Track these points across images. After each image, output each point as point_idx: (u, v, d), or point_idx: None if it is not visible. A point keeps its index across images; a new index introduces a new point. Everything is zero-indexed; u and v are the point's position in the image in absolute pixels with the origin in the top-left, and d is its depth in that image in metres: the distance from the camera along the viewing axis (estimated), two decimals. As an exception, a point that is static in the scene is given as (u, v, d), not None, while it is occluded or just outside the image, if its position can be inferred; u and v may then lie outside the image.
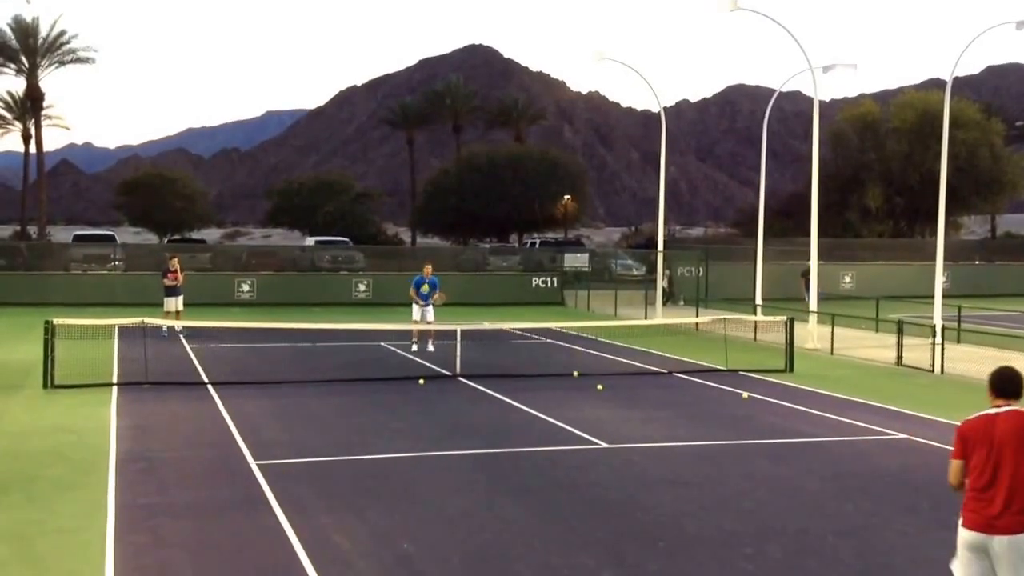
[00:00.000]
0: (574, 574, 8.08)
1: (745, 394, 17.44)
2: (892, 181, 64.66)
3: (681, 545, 8.93)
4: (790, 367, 20.58)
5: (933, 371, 20.51)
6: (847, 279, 42.73)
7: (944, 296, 23.21)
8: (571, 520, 9.66)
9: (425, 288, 23.03)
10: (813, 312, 25.48)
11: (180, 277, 26.07)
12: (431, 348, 22.56)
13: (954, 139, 36.82)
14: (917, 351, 21.33)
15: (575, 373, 19.53)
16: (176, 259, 26.69)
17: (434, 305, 23.11)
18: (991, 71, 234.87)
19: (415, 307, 23.18)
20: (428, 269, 23.51)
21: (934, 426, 14.74)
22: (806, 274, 31.90)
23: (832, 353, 23.62)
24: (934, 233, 26.98)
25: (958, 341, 24.10)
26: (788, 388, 18.45)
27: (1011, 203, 71.91)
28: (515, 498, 10.49)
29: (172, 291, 25.94)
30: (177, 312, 25.71)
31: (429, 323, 22.91)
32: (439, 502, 10.26)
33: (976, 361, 21.33)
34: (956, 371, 20.27)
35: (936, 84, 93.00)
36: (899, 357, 21.72)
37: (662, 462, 12.40)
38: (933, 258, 23.60)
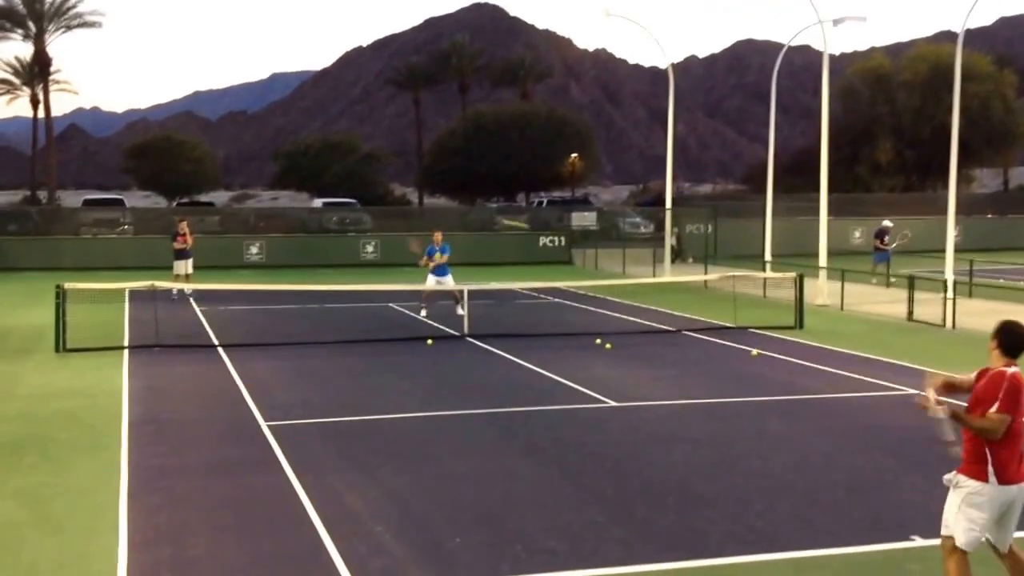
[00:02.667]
0: (584, 531, 8.12)
1: (754, 351, 17.43)
2: (903, 135, 64.25)
3: (691, 502, 8.96)
4: (800, 323, 20.53)
5: (944, 326, 20.45)
6: (857, 235, 42.52)
7: (956, 250, 23.09)
8: (581, 478, 9.71)
9: (438, 256, 21.85)
10: (823, 268, 25.40)
11: (189, 240, 26.11)
12: (461, 311, 20.81)
13: (966, 92, 36.45)
14: (928, 306, 21.25)
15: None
16: (185, 222, 26.69)
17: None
18: (1004, 22, 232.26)
19: (430, 276, 22.01)
20: (438, 236, 22.28)
21: (945, 381, 14.70)
22: (881, 233, 29.96)
23: (842, 309, 23.54)
24: (946, 187, 26.76)
25: (970, 296, 23.99)
26: (798, 344, 18.42)
27: (1023, 155, 71.43)
28: (525, 457, 10.53)
29: (181, 254, 25.99)
30: (187, 275, 25.78)
31: (451, 287, 21.92)
32: (449, 461, 10.31)
33: (988, 316, 21.12)
34: (968, 326, 20.19)
35: (948, 36, 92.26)
36: (910, 312, 21.64)
37: (671, 420, 12.43)
38: (944, 212, 23.44)
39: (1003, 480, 6.05)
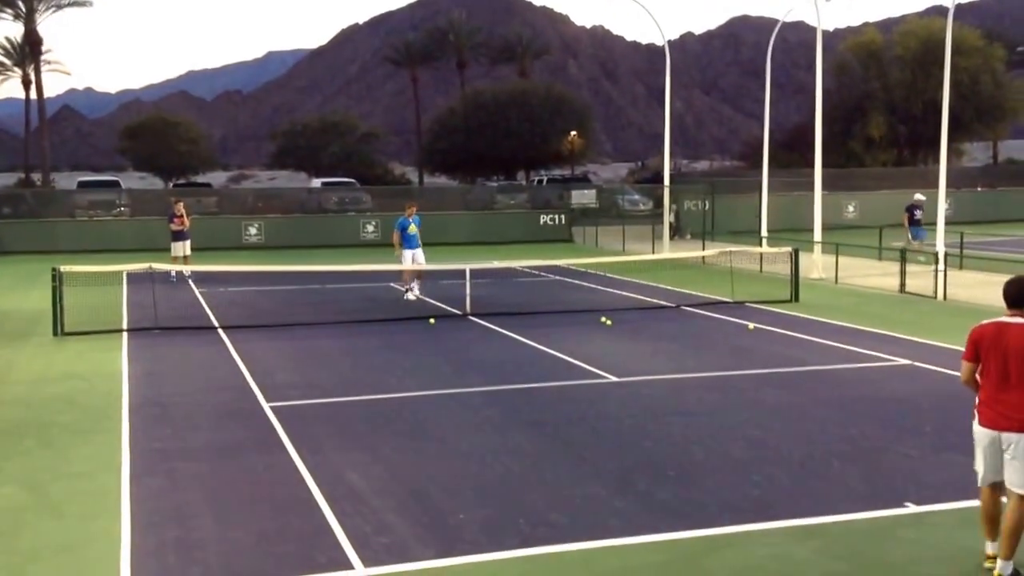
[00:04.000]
0: (586, 504, 8.22)
1: (751, 325, 17.54)
2: (895, 110, 64.38)
3: (690, 473, 9.06)
4: (795, 297, 20.67)
5: (936, 298, 20.63)
6: (851, 208, 42.66)
7: (947, 223, 23.21)
8: (582, 452, 9.80)
9: (413, 229, 21.75)
10: (817, 242, 25.49)
11: (186, 221, 26.06)
12: (416, 293, 21.66)
13: (956, 66, 36.49)
14: (920, 278, 21.43)
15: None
16: (181, 203, 26.61)
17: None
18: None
19: (406, 252, 21.79)
20: (412, 209, 22.15)
21: (937, 352, 14.84)
22: (912, 208, 28.49)
23: (836, 282, 23.70)
24: (937, 160, 26.77)
25: (961, 267, 24.14)
26: (793, 318, 18.54)
27: (1013, 128, 71.69)
28: (527, 432, 10.61)
29: (179, 236, 25.93)
30: (185, 257, 25.75)
31: (421, 265, 21.87)
32: (452, 438, 10.40)
33: (978, 287, 21.47)
34: (959, 297, 20.39)
35: (938, 11, 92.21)
36: (902, 284, 21.84)
37: (670, 393, 12.53)
38: (935, 185, 23.54)
39: (981, 422, 6.72)
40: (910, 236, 28.19)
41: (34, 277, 24.44)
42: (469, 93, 79.95)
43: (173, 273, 24.37)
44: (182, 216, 25.94)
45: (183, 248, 25.91)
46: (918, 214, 28.51)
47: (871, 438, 10.20)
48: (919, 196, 29.48)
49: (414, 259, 21.82)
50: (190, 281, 24.77)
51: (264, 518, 8.02)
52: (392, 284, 23.58)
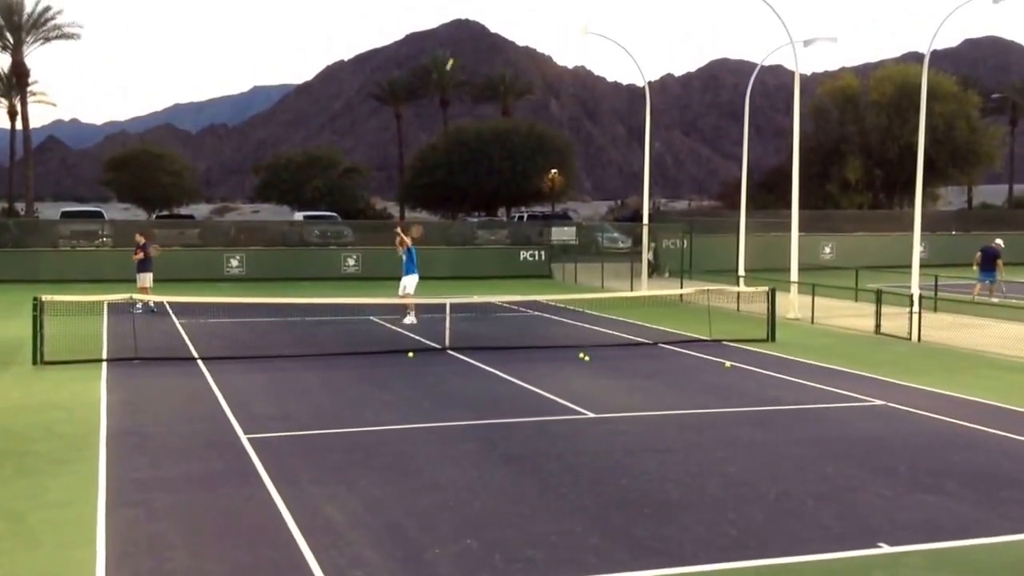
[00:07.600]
0: (562, 541, 8.25)
1: (728, 363, 17.66)
2: (871, 153, 65.21)
3: (666, 511, 9.11)
4: (772, 336, 20.82)
5: (911, 339, 20.82)
6: (827, 250, 43.10)
7: (921, 266, 23.49)
8: (559, 488, 9.84)
9: (404, 258, 23.85)
10: (794, 282, 25.71)
11: (147, 252, 25.39)
12: (408, 321, 22.89)
13: (932, 111, 37.02)
14: (895, 319, 21.63)
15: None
16: (140, 235, 26.16)
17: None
18: (969, 44, 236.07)
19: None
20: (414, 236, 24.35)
21: (911, 392, 15.00)
22: (996, 254, 27.79)
23: (813, 322, 23.88)
24: (912, 204, 27.13)
25: (935, 310, 24.40)
26: (770, 357, 18.68)
27: (987, 174, 72.69)
28: (504, 468, 10.65)
29: (139, 266, 25.48)
30: (144, 288, 25.10)
31: (407, 294, 23.44)
32: (429, 472, 10.42)
33: (952, 329, 21.68)
34: (933, 339, 20.58)
35: (914, 57, 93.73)
36: (878, 326, 22.02)
37: (647, 430, 12.59)
38: (911, 228, 23.85)
39: None
40: (986, 281, 27.30)
41: (15, 306, 24.34)
42: (452, 130, 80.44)
43: (152, 304, 24.24)
44: (141, 247, 25.51)
45: (141, 279, 25.36)
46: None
47: (845, 477, 10.30)
48: (999, 241, 29.13)
49: (403, 288, 23.79)
50: (135, 311, 23.42)
51: (239, 550, 8.02)
52: (372, 318, 23.69)
